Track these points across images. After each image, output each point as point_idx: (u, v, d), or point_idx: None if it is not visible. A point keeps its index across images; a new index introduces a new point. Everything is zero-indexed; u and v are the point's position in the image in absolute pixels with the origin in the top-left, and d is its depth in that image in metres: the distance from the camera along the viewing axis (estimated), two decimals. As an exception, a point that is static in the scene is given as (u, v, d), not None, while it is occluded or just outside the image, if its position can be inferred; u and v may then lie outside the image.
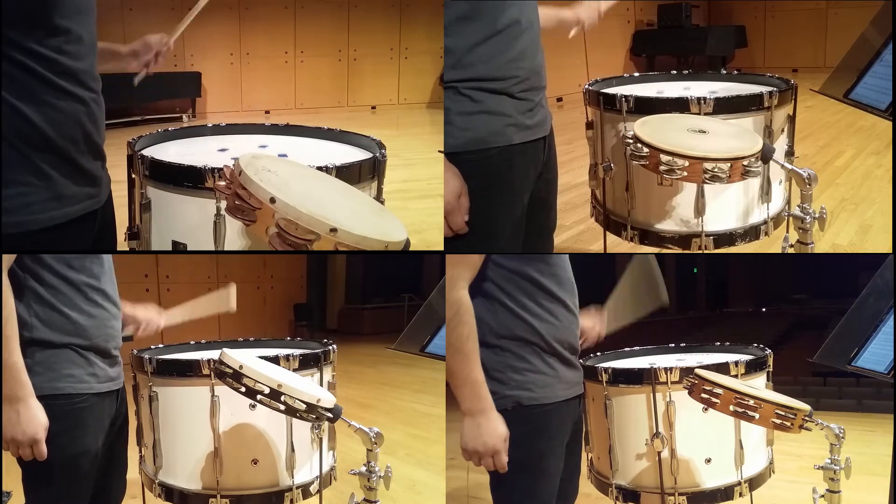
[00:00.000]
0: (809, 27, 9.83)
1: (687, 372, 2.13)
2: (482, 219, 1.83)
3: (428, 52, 9.19)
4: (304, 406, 1.71)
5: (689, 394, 1.87)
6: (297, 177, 1.59)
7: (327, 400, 1.75)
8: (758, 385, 2.23)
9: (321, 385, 2.19)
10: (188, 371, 2.09)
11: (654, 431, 2.20)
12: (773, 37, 10.19)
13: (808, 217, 1.94)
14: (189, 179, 1.85)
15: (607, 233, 2.48)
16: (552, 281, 1.79)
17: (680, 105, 2.16)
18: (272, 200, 1.38)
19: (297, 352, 2.20)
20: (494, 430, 1.68)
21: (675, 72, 2.78)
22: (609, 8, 2.47)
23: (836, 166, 5.52)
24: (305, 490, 2.15)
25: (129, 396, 2.03)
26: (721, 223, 2.26)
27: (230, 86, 8.61)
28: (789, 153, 2.36)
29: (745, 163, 1.81)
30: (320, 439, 2.16)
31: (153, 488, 2.17)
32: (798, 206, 1.97)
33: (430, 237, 4.23)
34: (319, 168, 1.79)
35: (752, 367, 2.26)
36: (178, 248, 1.92)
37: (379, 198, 2.01)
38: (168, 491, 2.14)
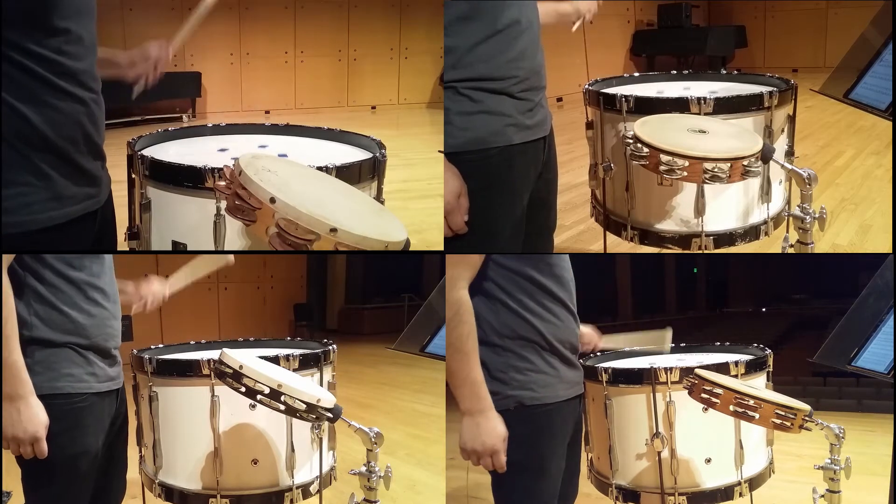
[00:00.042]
0: (809, 27, 9.83)
1: (687, 372, 2.13)
2: (482, 219, 1.83)
3: (428, 52, 9.19)
4: (304, 406, 1.71)
5: (689, 394, 1.88)
6: (297, 177, 1.59)
7: (327, 400, 1.75)
8: (758, 385, 2.23)
9: (321, 385, 2.19)
10: (188, 371, 2.09)
11: (654, 431, 2.20)
12: (773, 37, 10.19)
13: (808, 217, 1.94)
14: (189, 179, 1.85)
15: (607, 233, 2.48)
16: (552, 281, 1.80)
17: (680, 105, 2.16)
18: (272, 200, 1.38)
19: (297, 352, 2.20)
20: (493, 429, 1.68)
21: (675, 72, 2.78)
22: None
23: (836, 166, 5.52)
24: (305, 490, 2.15)
25: (129, 396, 2.03)
26: (721, 223, 2.26)
27: (230, 86, 8.61)
28: (789, 153, 2.36)
29: (745, 163, 1.81)
30: (320, 439, 2.16)
31: (153, 488, 2.17)
32: (798, 206, 1.97)
33: (430, 237, 4.23)
34: (319, 168, 1.79)
35: (752, 367, 2.26)
36: (178, 248, 1.92)
37: (379, 198, 2.01)
38: (168, 491, 2.14)
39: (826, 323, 9.08)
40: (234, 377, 1.71)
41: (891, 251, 3.55)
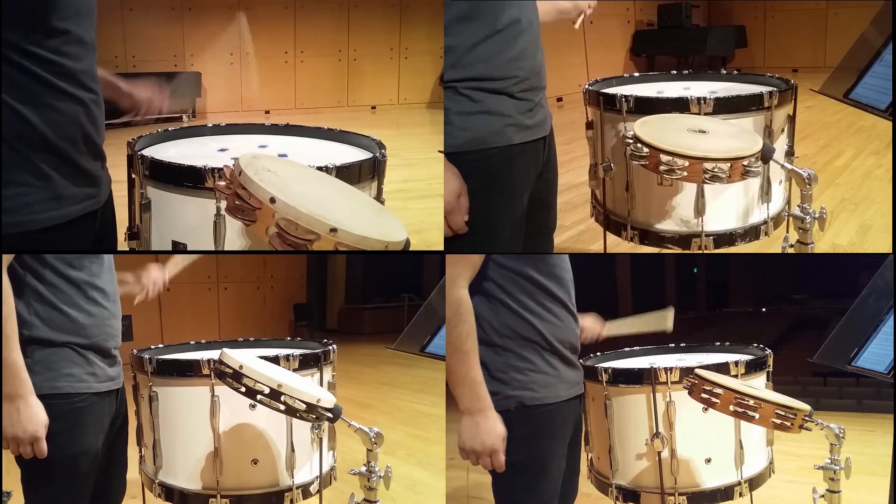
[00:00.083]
0: (809, 27, 9.82)
1: (687, 372, 2.13)
2: (482, 219, 1.83)
3: (428, 52, 9.19)
4: (304, 406, 1.71)
5: (689, 394, 1.88)
6: (297, 177, 1.59)
7: (327, 400, 1.75)
8: (758, 385, 2.23)
9: (321, 385, 2.19)
10: (188, 371, 2.09)
11: (654, 431, 2.20)
12: (773, 37, 10.19)
13: (808, 217, 1.94)
14: (189, 179, 1.85)
15: (607, 233, 2.48)
16: (552, 281, 1.80)
17: (680, 105, 2.16)
18: (272, 200, 1.38)
19: (297, 352, 2.20)
20: (493, 429, 1.68)
21: (675, 72, 2.78)
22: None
23: (836, 166, 5.52)
24: (305, 490, 2.15)
25: (129, 396, 2.03)
26: (721, 223, 2.26)
27: (230, 86, 8.61)
28: (789, 153, 2.36)
29: (745, 163, 1.81)
30: (320, 439, 2.16)
31: (153, 488, 2.17)
32: (798, 206, 1.97)
33: (430, 237, 4.23)
34: (319, 168, 1.79)
35: (752, 367, 2.26)
36: (178, 248, 1.92)
37: (379, 198, 2.01)
38: (168, 491, 2.14)
39: (826, 323, 9.08)
40: (234, 377, 1.71)
41: (891, 251, 3.55)
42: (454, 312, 1.67)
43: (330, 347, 2.29)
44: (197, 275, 8.73)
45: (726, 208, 2.26)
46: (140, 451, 2.23)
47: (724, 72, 3.21)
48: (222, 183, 1.48)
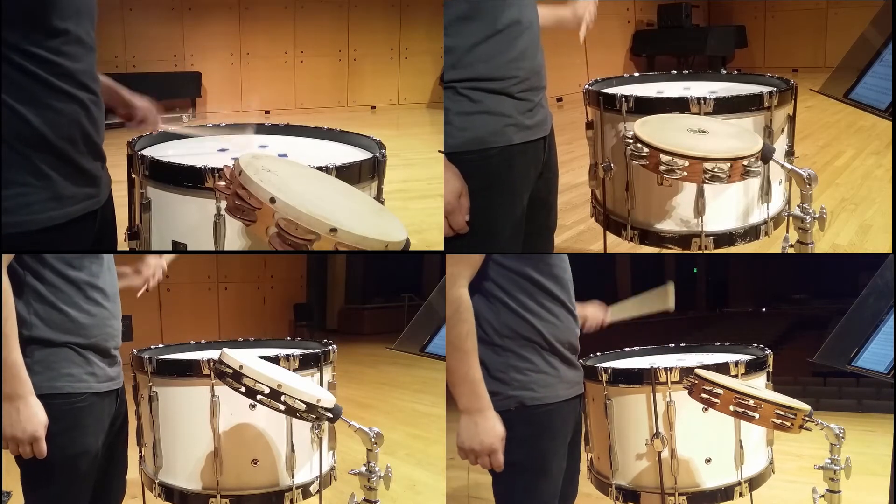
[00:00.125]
0: (809, 27, 9.83)
1: (687, 372, 2.13)
2: (482, 219, 1.83)
3: (428, 52, 9.19)
4: (304, 406, 1.71)
5: (689, 394, 1.88)
6: (297, 177, 1.59)
7: (327, 400, 1.75)
8: (758, 385, 2.23)
9: (321, 385, 2.19)
10: (188, 371, 2.09)
11: (654, 431, 2.20)
12: (773, 37, 10.19)
13: (808, 217, 1.94)
14: (189, 179, 1.85)
15: (607, 233, 2.48)
16: (552, 281, 1.80)
17: (680, 105, 2.16)
18: (272, 200, 1.38)
19: (297, 352, 2.20)
20: (492, 428, 1.68)
21: (675, 72, 2.78)
22: None
23: (836, 166, 5.52)
24: (305, 490, 2.15)
25: (129, 396, 2.03)
26: (721, 223, 2.26)
27: (230, 86, 8.61)
28: (789, 153, 2.36)
29: (745, 163, 1.81)
30: (320, 439, 2.16)
31: (153, 488, 2.17)
32: (798, 206, 1.97)
33: (430, 237, 4.23)
34: (319, 168, 1.79)
35: (752, 367, 2.26)
36: (178, 248, 1.92)
37: (379, 198, 2.01)
38: (168, 491, 2.14)
39: (826, 323, 9.08)
40: (234, 377, 1.71)
41: (891, 251, 3.55)
42: (454, 311, 1.67)
43: (330, 347, 2.29)
44: (197, 275, 8.74)
45: (726, 208, 2.26)
46: (140, 451, 2.23)
47: (724, 72, 3.21)
48: (222, 183, 1.48)
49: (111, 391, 1.87)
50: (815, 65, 9.51)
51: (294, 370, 2.10)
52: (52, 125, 1.57)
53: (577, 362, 1.88)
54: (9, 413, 1.66)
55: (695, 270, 14.08)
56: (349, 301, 10.59)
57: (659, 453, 2.20)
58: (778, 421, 1.77)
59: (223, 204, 1.72)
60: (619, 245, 2.95)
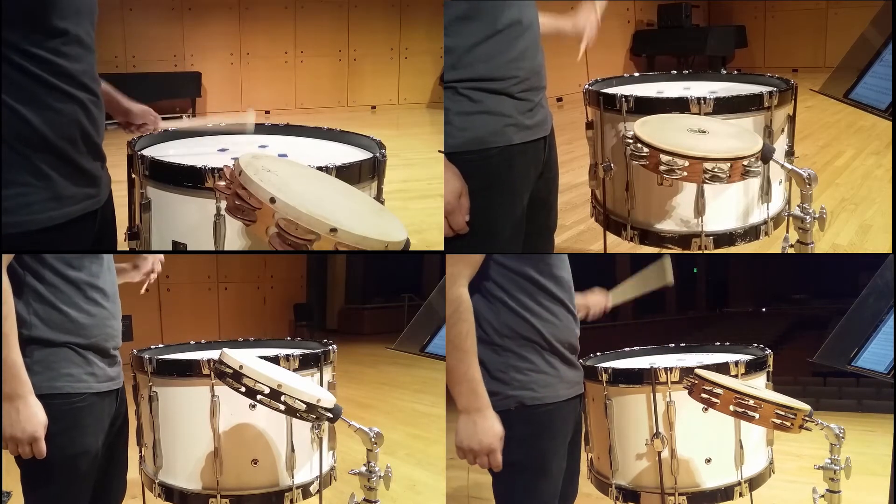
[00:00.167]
0: (809, 27, 9.83)
1: (687, 372, 2.13)
2: (482, 219, 1.83)
3: (428, 52, 9.19)
4: (304, 406, 1.71)
5: (689, 394, 1.87)
6: (297, 177, 1.59)
7: (327, 400, 1.75)
8: (758, 385, 2.22)
9: (321, 385, 2.19)
10: (188, 371, 2.09)
11: (654, 431, 2.20)
12: (773, 37, 10.19)
13: (808, 217, 1.94)
14: (189, 179, 1.85)
15: (607, 233, 2.47)
16: (552, 281, 1.80)
17: (680, 105, 2.16)
18: (272, 200, 1.38)
19: (297, 352, 2.20)
20: (490, 428, 1.68)
21: (675, 72, 2.78)
22: (603, 10, 2.43)
23: (836, 166, 5.52)
24: (305, 490, 2.15)
25: (129, 396, 2.03)
26: (721, 223, 2.26)
27: (230, 86, 8.61)
28: (789, 153, 2.36)
29: (745, 163, 1.81)
30: (320, 439, 2.16)
31: (153, 488, 2.17)
32: (798, 206, 1.97)
33: (430, 237, 4.23)
34: (319, 168, 1.79)
35: (752, 367, 2.26)
36: (178, 248, 1.92)
37: (379, 198, 2.01)
38: (168, 491, 2.14)
39: (826, 323, 9.08)
40: (234, 377, 1.71)
41: (891, 251, 3.55)
42: (454, 310, 1.67)
43: (330, 347, 2.29)
44: (197, 275, 8.74)
45: (726, 208, 2.26)
46: (140, 451, 2.23)
47: (724, 72, 3.21)
48: (222, 183, 1.48)
49: (111, 391, 1.87)
50: (815, 65, 9.51)
51: (294, 370, 2.10)
52: (52, 125, 1.58)
53: (577, 362, 1.88)
54: (8, 413, 1.66)
55: (695, 270, 14.09)
56: (349, 301, 10.59)
57: (659, 453, 2.20)
58: (778, 421, 1.77)
59: (223, 204, 1.72)
60: (619, 245, 2.95)
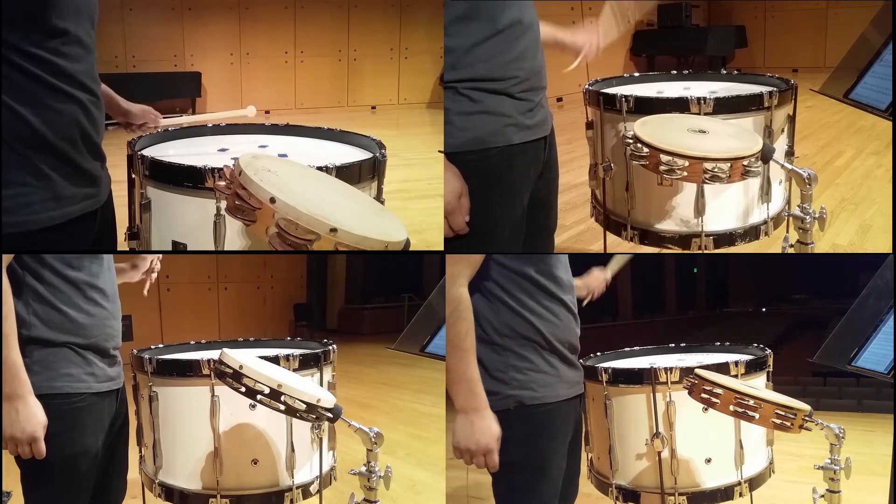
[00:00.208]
0: (809, 27, 9.83)
1: (687, 372, 2.13)
2: (482, 219, 1.83)
3: (428, 52, 9.19)
4: (304, 406, 1.71)
5: (689, 394, 1.87)
6: (297, 177, 1.59)
7: (327, 400, 1.75)
8: (758, 385, 2.22)
9: (321, 385, 2.19)
10: (188, 371, 2.09)
11: (654, 431, 2.20)
12: (773, 37, 10.19)
13: (808, 217, 1.94)
14: (189, 179, 1.85)
15: (607, 233, 2.47)
16: (552, 281, 1.80)
17: (680, 105, 2.16)
18: (272, 200, 1.38)
19: (297, 352, 2.20)
20: (488, 428, 1.68)
21: (675, 72, 2.78)
22: (608, 45, 2.41)
23: (836, 166, 5.52)
24: (305, 490, 2.15)
25: (129, 396, 2.03)
26: (721, 223, 2.26)
27: (230, 86, 8.61)
28: (789, 153, 2.36)
29: (745, 163, 1.81)
30: (320, 439, 2.16)
31: (153, 488, 2.17)
32: (798, 206, 1.97)
33: (430, 237, 4.23)
34: (319, 168, 1.79)
35: (752, 367, 2.26)
36: (178, 248, 1.92)
37: (379, 198, 2.01)
38: (168, 491, 2.14)
39: (826, 323, 9.09)
40: (234, 377, 1.71)
41: (891, 251, 3.55)
42: (453, 310, 1.67)
43: (330, 347, 2.29)
44: (197, 275, 8.74)
45: (726, 208, 2.26)
46: (140, 451, 2.23)
47: (724, 72, 3.21)
48: (222, 183, 1.48)
49: (111, 391, 1.87)
50: (815, 65, 9.51)
51: (294, 370, 2.10)
52: (52, 125, 1.57)
53: (577, 362, 1.88)
54: (8, 413, 1.66)
55: (695, 270, 14.10)
56: (349, 301, 10.59)
57: (659, 453, 2.20)
58: (778, 421, 1.77)
59: (223, 204, 1.72)
60: (619, 245, 2.94)
